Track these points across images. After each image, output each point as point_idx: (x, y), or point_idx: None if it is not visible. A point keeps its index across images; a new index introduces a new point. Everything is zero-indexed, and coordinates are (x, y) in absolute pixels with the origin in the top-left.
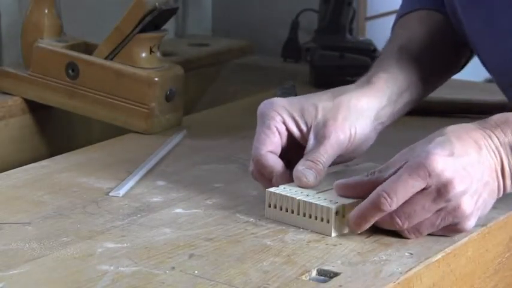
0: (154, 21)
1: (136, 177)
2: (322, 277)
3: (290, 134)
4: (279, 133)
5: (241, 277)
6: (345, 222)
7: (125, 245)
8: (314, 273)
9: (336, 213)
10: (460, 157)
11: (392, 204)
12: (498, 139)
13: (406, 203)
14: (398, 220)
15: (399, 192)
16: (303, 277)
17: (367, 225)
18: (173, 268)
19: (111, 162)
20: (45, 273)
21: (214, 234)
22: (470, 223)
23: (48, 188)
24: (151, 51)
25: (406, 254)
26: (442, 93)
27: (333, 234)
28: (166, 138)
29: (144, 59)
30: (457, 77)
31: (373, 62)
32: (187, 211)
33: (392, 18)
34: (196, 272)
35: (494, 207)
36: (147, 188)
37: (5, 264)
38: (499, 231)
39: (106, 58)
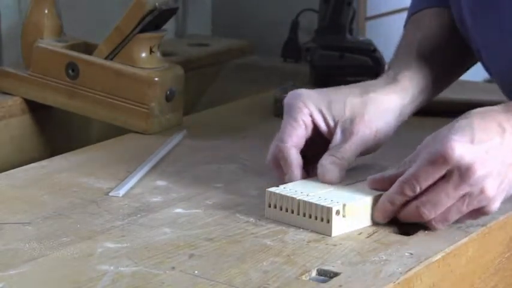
0: (154, 21)
1: (137, 177)
2: (322, 277)
3: (315, 127)
4: (305, 126)
5: (241, 277)
6: (350, 218)
7: (125, 245)
8: (314, 273)
9: (336, 212)
10: (481, 142)
11: (416, 189)
12: None
13: (430, 192)
14: (424, 210)
15: (421, 180)
16: (303, 277)
17: (392, 215)
18: (173, 268)
19: (111, 162)
20: (45, 273)
21: (214, 234)
22: (495, 206)
23: (48, 188)
24: (151, 51)
25: (406, 254)
26: (442, 93)
27: (333, 234)
28: (166, 138)
29: (144, 59)
30: None
31: (372, 60)
32: (187, 211)
33: (392, 18)
34: (196, 272)
35: None
36: (147, 188)
37: (5, 264)
38: (499, 231)
39: (106, 58)
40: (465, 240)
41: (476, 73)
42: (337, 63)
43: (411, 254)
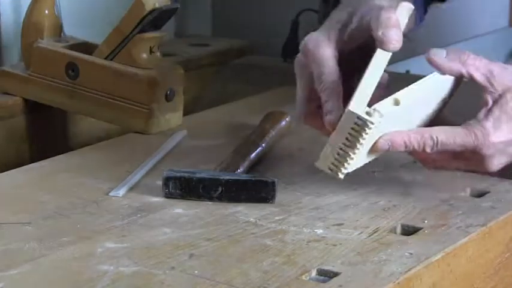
0: (154, 21)
1: (137, 177)
2: (322, 277)
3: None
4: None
5: (241, 277)
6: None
7: (125, 245)
8: (314, 273)
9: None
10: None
11: (433, 150)
12: None
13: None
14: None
15: (444, 148)
16: (303, 277)
17: (400, 149)
18: (173, 268)
19: (111, 162)
20: (45, 273)
21: (214, 234)
22: (495, 168)
23: (48, 188)
24: (151, 51)
25: (406, 254)
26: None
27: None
28: (166, 138)
29: (144, 59)
30: None
31: None
32: (187, 211)
33: None
34: (196, 272)
35: (494, 207)
36: (147, 188)
37: (5, 264)
38: (499, 231)
39: (106, 58)
40: (465, 240)
41: None
42: None
43: (411, 254)
